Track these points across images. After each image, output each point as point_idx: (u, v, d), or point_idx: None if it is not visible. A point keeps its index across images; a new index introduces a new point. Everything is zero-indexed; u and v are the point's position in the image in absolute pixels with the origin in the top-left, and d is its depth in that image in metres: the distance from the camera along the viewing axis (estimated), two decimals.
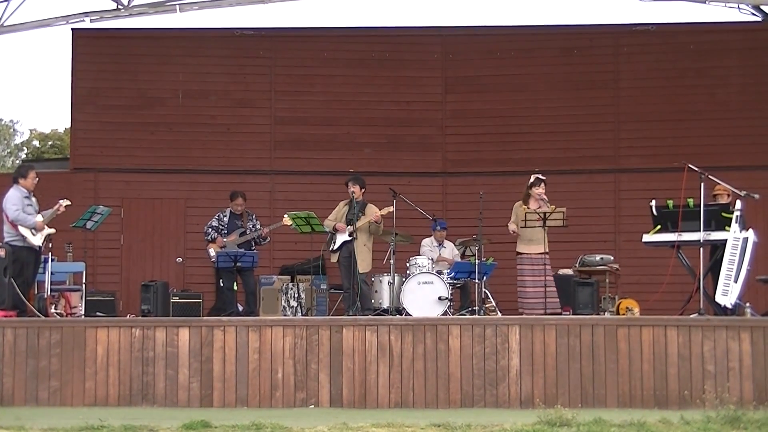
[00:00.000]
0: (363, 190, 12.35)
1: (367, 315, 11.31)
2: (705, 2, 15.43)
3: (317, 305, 14.03)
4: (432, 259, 12.89)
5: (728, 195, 11.28)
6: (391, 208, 12.21)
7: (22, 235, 10.93)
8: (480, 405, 9.37)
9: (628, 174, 15.81)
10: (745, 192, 10.76)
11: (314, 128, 16.17)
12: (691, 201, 10.62)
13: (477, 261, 12.45)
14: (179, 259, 15.29)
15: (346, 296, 12.35)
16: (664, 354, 9.34)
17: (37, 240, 11.02)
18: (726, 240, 10.34)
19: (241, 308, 12.86)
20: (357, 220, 12.14)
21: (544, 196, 11.96)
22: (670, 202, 10.83)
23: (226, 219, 13.08)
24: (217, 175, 15.79)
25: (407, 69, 16.26)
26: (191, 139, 16.12)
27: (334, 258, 12.38)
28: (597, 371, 9.38)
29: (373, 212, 12.19)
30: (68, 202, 11.51)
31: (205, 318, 11.56)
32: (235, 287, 12.70)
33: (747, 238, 10.31)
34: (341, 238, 12.23)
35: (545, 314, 11.17)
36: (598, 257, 13.37)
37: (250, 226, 13.05)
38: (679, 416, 8.21)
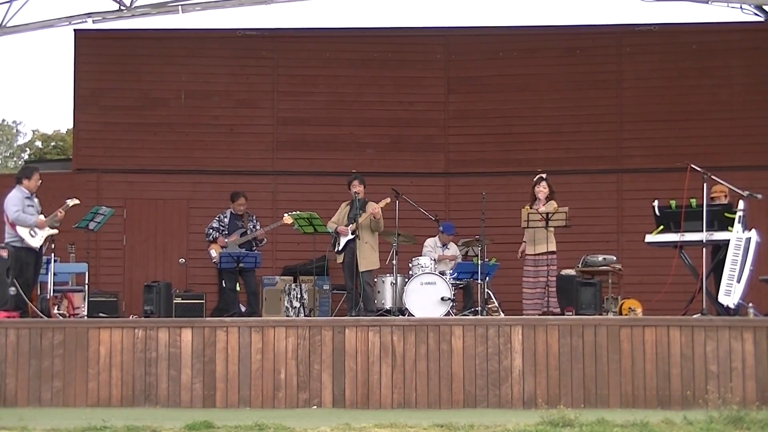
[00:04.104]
0: (363, 188, 12.32)
1: (369, 316, 11.30)
2: (707, 2, 15.44)
3: (320, 306, 14.04)
4: (434, 259, 12.90)
5: (725, 196, 11.26)
6: (389, 199, 12.19)
7: (20, 236, 10.94)
8: (483, 405, 9.36)
9: (631, 174, 15.81)
10: (747, 192, 10.75)
11: (317, 129, 16.18)
12: (693, 201, 10.62)
13: (480, 261, 12.45)
14: (182, 260, 15.30)
15: (349, 297, 12.34)
16: (666, 354, 9.33)
17: (35, 241, 11.03)
18: (729, 240, 10.33)
19: (243, 309, 12.87)
20: (358, 218, 12.10)
21: (541, 195, 11.95)
22: (673, 202, 10.82)
23: (226, 220, 13.10)
24: (219, 175, 15.79)
25: (410, 69, 16.27)
26: (194, 140, 16.14)
27: (340, 259, 12.37)
28: (600, 371, 9.37)
29: (373, 208, 12.15)
30: (76, 201, 11.53)
31: (207, 318, 11.57)
32: (238, 288, 12.71)
33: (750, 238, 10.30)
34: (345, 238, 12.22)
35: (542, 314, 11.20)
36: (600, 257, 13.36)
37: (251, 226, 13.07)
38: (682, 416, 8.21)
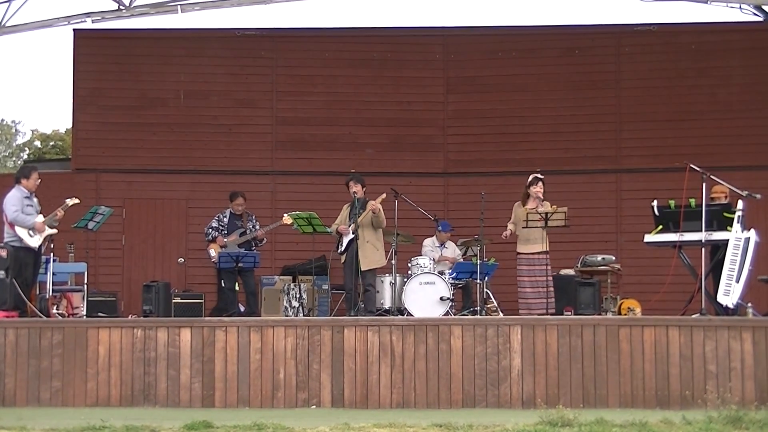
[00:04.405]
0: (364, 189, 12.32)
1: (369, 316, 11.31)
2: (707, 2, 15.46)
3: (319, 305, 14.05)
4: (433, 259, 12.91)
5: (726, 197, 11.27)
6: (384, 195, 12.17)
7: (19, 236, 10.94)
8: (482, 405, 9.36)
9: (630, 174, 15.81)
10: (746, 192, 10.75)
11: (316, 128, 16.18)
12: (692, 201, 10.62)
13: (478, 261, 12.45)
14: (181, 260, 15.30)
15: (348, 296, 12.34)
16: (665, 354, 9.33)
17: (34, 241, 11.02)
18: (728, 240, 10.34)
19: (242, 308, 12.87)
20: (357, 217, 12.09)
21: (540, 195, 11.97)
22: (672, 202, 10.83)
23: (226, 220, 13.11)
24: (218, 175, 15.79)
25: (409, 69, 16.27)
26: (193, 140, 16.13)
27: (343, 259, 12.36)
28: (599, 371, 9.37)
29: (370, 205, 12.14)
30: (76, 201, 11.54)
31: (206, 318, 11.58)
32: (237, 288, 12.71)
33: (749, 238, 10.31)
34: (346, 238, 12.21)
35: (545, 314, 11.20)
36: (599, 257, 13.37)
37: (250, 226, 13.08)
38: (681, 416, 8.21)
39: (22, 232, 10.94)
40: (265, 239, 13.25)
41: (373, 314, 11.85)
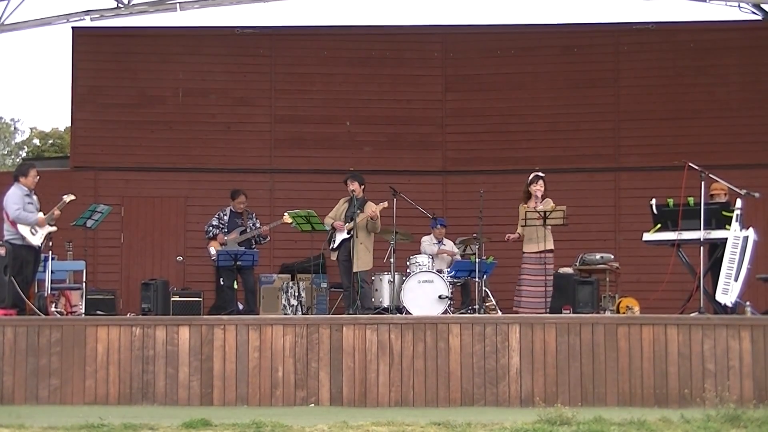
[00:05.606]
0: (363, 187, 12.32)
1: (367, 314, 11.31)
2: (705, 1, 15.44)
3: (317, 304, 14.04)
4: (432, 255, 12.90)
5: (725, 194, 11.26)
6: (385, 203, 12.17)
7: (21, 234, 10.94)
8: (480, 403, 9.37)
9: (629, 172, 15.81)
10: (745, 190, 10.75)
11: (314, 126, 16.18)
12: (691, 199, 10.62)
13: (477, 259, 12.45)
14: (179, 258, 15.30)
15: (346, 295, 12.34)
16: (664, 352, 9.34)
17: (35, 239, 11.03)
18: (726, 238, 10.34)
19: (241, 307, 12.87)
20: (356, 217, 12.09)
21: (538, 194, 11.93)
22: (671, 201, 10.82)
23: (226, 218, 13.10)
24: (217, 173, 15.80)
25: (407, 67, 16.26)
26: (191, 138, 16.13)
27: (334, 256, 12.38)
28: (597, 370, 9.38)
29: (371, 209, 12.14)
30: (72, 197, 11.55)
31: (205, 316, 11.56)
32: (236, 286, 12.71)
33: (747, 236, 10.31)
34: (340, 236, 12.22)
35: (544, 313, 11.19)
36: (598, 256, 13.36)
37: (250, 224, 13.07)
38: (680, 415, 8.21)
39: (24, 230, 10.96)
40: (268, 237, 13.25)
41: (370, 310, 11.86)
